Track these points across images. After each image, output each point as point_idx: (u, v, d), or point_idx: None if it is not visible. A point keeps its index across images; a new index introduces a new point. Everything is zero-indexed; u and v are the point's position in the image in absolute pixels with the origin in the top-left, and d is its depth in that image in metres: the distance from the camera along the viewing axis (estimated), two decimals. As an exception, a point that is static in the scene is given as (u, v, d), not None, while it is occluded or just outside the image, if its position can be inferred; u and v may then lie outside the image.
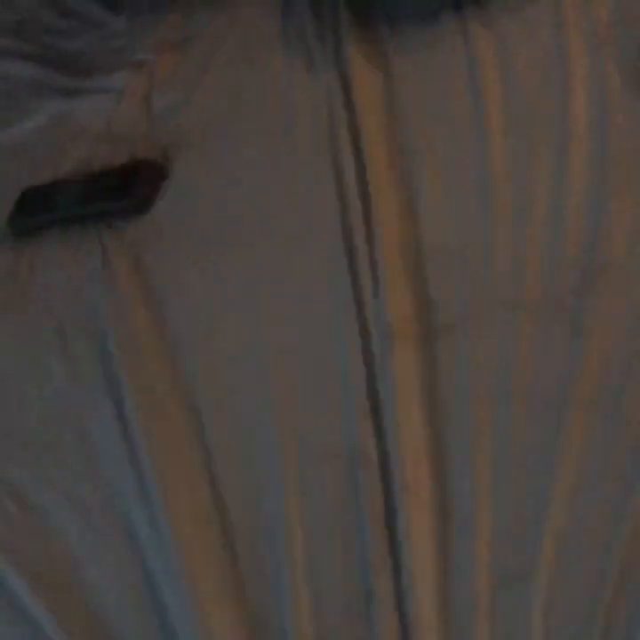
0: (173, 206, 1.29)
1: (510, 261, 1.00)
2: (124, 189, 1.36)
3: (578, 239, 0.98)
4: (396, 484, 0.92)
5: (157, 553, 0.96)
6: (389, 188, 1.12)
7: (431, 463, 0.92)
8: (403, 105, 1.20)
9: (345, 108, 1.23)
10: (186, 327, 1.14)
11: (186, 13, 1.54)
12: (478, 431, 0.93)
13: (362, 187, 1.14)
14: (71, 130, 1.46)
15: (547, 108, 1.09)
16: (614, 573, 0.82)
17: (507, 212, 1.03)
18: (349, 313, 1.03)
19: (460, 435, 0.93)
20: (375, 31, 1.32)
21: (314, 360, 1.04)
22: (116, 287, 1.23)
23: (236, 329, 1.10)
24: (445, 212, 1.07)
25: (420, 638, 0.84)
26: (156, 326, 1.15)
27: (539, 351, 0.95)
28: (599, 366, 0.92)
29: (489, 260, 1.00)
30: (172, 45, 1.51)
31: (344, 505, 0.93)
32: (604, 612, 0.80)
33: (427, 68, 1.23)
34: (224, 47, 1.45)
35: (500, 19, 1.21)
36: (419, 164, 1.13)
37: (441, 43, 1.23)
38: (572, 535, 0.85)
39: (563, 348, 0.93)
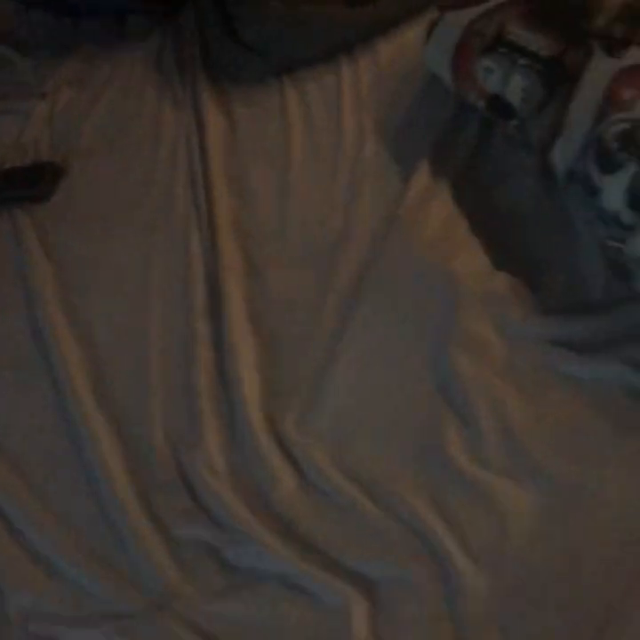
0: (70, 195, 1.65)
1: (298, 226, 1.43)
2: (31, 181, 1.66)
3: (337, 223, 1.41)
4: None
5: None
6: (225, 179, 1.51)
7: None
8: (237, 135, 1.57)
9: (197, 134, 1.57)
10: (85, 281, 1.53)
11: (83, 59, 1.83)
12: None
13: (205, 179, 1.52)
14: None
15: (330, 144, 1.48)
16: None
17: (302, 199, 1.46)
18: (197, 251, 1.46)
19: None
20: (223, 87, 1.64)
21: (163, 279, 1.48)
22: (27, 251, 1.58)
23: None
24: (263, 194, 1.49)
25: None
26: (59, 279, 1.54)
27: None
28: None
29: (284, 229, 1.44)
30: (70, 83, 1.80)
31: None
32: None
33: (254, 115, 1.60)
34: (111, 87, 1.76)
35: (305, 83, 1.56)
36: (247, 169, 1.51)
37: (266, 98, 1.61)
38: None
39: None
